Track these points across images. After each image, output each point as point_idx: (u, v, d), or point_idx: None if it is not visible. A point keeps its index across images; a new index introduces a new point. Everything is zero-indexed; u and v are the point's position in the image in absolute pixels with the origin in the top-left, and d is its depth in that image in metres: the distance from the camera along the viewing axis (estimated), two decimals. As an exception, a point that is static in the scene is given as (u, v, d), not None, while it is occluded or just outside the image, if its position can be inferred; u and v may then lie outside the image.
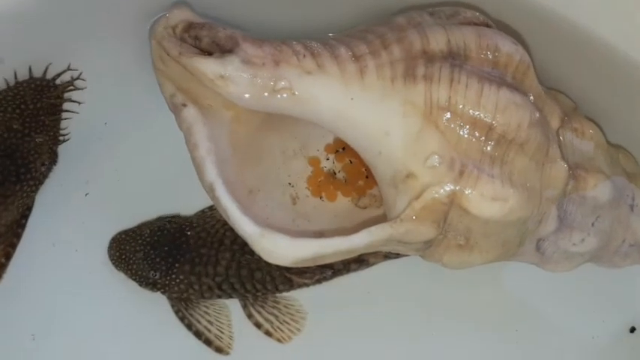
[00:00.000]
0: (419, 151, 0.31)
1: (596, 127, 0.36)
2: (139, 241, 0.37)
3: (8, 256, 0.39)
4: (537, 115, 0.32)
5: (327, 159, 0.40)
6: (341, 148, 0.40)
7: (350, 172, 0.40)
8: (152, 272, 0.36)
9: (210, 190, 0.33)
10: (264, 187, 0.38)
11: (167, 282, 0.37)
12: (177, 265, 0.37)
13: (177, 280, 0.37)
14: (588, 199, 0.34)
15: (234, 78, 0.33)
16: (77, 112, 0.40)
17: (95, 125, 0.41)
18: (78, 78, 0.40)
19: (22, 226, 0.39)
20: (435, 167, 0.31)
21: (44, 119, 0.39)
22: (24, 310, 0.39)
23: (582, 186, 0.34)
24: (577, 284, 0.39)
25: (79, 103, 0.40)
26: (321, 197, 0.39)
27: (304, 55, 0.33)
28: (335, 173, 0.40)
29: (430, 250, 0.33)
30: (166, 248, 0.37)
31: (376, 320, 0.39)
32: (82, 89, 0.40)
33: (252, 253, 0.37)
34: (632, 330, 0.38)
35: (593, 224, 0.35)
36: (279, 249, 0.32)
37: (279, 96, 0.33)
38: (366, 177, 0.39)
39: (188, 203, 0.41)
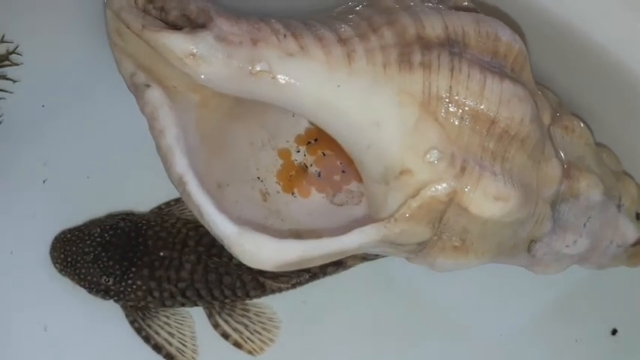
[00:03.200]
0: (416, 145, 0.29)
1: (584, 125, 0.35)
2: (88, 242, 0.32)
3: None
4: (537, 110, 0.30)
5: (298, 151, 0.37)
6: (313, 140, 0.37)
7: (324, 166, 0.37)
8: (105, 277, 0.32)
9: (179, 183, 0.29)
10: (232, 181, 0.34)
11: (122, 288, 0.32)
12: (133, 269, 0.32)
13: (135, 287, 0.32)
14: (581, 199, 0.33)
15: (207, 57, 0.29)
16: (11, 92, 0.35)
17: (32, 107, 0.36)
18: (13, 52, 0.35)
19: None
20: (434, 163, 0.29)
21: (-28, 98, 0.33)
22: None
23: (575, 186, 0.33)
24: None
25: (14, 81, 0.35)
26: (292, 193, 0.36)
27: (285, 35, 0.30)
28: (307, 167, 0.37)
29: (423, 252, 0.31)
30: (121, 250, 0.32)
31: (357, 327, 0.36)
32: (17, 65, 0.35)
33: (219, 255, 0.33)
34: (614, 332, 0.38)
35: (584, 225, 0.33)
36: (261, 251, 0.28)
37: (256, 80, 0.30)
38: (342, 172, 0.36)
39: (140, 198, 0.36)
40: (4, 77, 0.35)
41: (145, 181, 0.36)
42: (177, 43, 0.29)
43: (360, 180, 0.38)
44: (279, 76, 0.29)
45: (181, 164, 0.29)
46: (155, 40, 0.29)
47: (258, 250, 0.28)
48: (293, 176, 0.36)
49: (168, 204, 0.35)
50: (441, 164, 0.29)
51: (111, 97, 0.36)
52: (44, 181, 0.35)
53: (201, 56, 0.29)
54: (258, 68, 0.29)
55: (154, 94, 0.30)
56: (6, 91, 0.35)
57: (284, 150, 0.36)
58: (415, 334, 0.36)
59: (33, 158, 0.36)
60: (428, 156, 0.29)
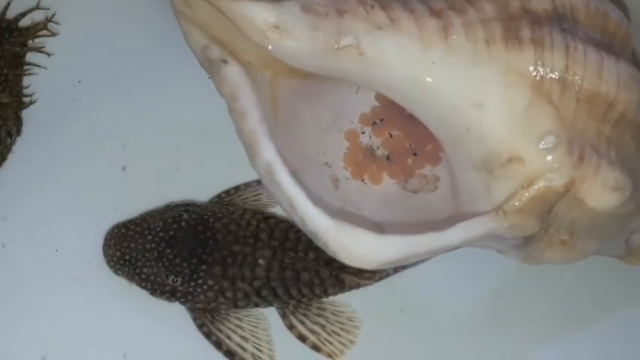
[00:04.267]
0: (528, 130, 0.26)
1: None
2: (149, 237, 0.29)
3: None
4: (647, 92, 0.28)
5: (363, 132, 0.34)
6: (379, 119, 0.34)
7: (393, 149, 0.34)
8: (172, 277, 0.28)
9: (267, 172, 0.26)
10: (305, 166, 0.31)
11: (191, 289, 0.29)
12: (204, 267, 0.29)
13: (205, 287, 0.29)
14: (680, 186, 0.31)
15: (292, 30, 0.25)
16: (45, 68, 0.31)
17: (68, 84, 0.32)
18: (50, 20, 0.30)
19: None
20: (549, 150, 0.26)
21: (7, 72, 0.29)
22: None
23: (674, 172, 0.31)
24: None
25: (49, 54, 0.31)
26: (362, 180, 0.33)
27: (372, 7, 0.27)
28: (374, 150, 0.34)
29: (529, 247, 0.28)
30: (188, 246, 0.29)
31: (445, 320, 0.32)
32: (53, 36, 0.31)
33: (294, 249, 0.30)
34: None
35: (681, 214, 0.32)
36: (362, 248, 0.25)
37: (341, 55, 0.26)
38: (414, 154, 0.34)
39: (194, 186, 0.32)
40: (39, 49, 0.30)
41: (198, 166, 0.32)
42: (260, 13, 0.25)
43: (433, 163, 0.35)
44: (367, 52, 0.26)
45: (269, 150, 0.26)
46: (233, 10, 0.25)
47: (358, 247, 0.25)
48: (361, 160, 0.33)
49: (228, 192, 0.32)
50: (558, 151, 0.26)
51: (157, 74, 0.32)
52: (125, 168, 0.31)
53: (286, 29, 0.25)
54: (344, 42, 0.26)
55: (233, 71, 0.26)
56: (39, 66, 0.30)
57: (351, 131, 0.33)
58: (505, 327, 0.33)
59: (64, 138, 0.32)
60: (542, 142, 0.26)
